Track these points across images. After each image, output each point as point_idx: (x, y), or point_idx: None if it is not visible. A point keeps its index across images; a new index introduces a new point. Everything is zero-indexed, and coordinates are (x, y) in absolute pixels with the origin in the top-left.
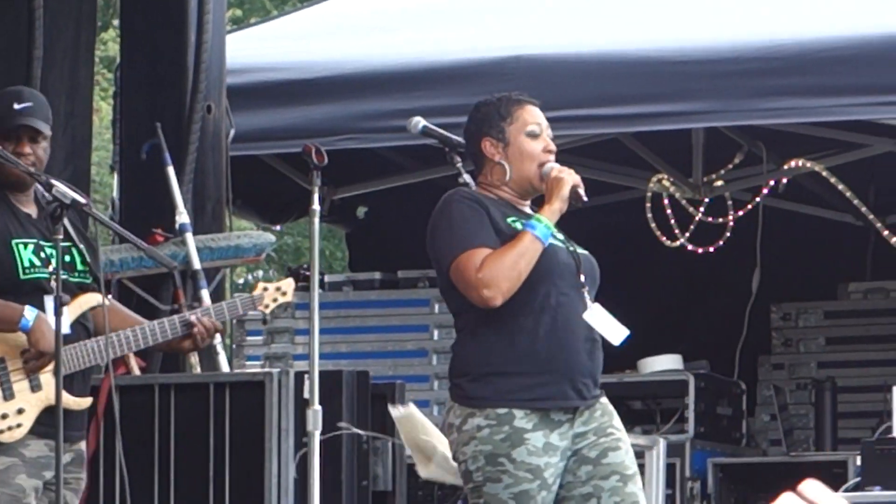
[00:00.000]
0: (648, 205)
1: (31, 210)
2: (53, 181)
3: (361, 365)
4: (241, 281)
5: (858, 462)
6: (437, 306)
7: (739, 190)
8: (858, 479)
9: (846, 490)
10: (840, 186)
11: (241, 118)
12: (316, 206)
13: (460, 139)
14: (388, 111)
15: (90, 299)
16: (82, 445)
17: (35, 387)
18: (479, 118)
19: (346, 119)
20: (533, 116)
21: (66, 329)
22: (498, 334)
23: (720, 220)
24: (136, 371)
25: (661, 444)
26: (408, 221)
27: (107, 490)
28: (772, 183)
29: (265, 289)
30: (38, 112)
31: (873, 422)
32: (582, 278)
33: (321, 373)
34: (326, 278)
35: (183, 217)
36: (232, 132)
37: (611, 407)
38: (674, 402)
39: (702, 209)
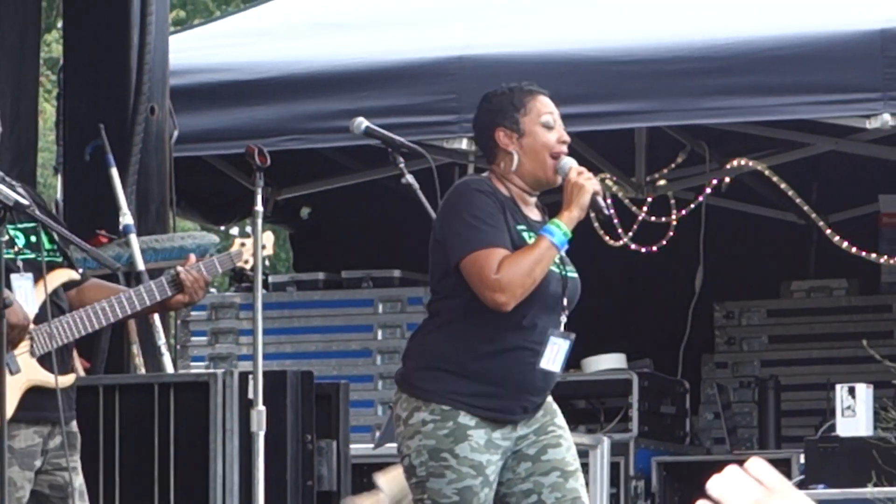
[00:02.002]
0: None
1: None
2: None
3: (306, 365)
4: None
5: (802, 460)
6: (381, 306)
7: (682, 189)
8: (802, 476)
9: None
10: (782, 185)
11: (184, 119)
12: (259, 206)
13: (403, 140)
14: (331, 112)
15: (60, 275)
16: (74, 426)
17: (14, 369)
18: (491, 109)
19: (290, 120)
20: (546, 107)
21: (35, 308)
22: (465, 336)
23: (663, 219)
24: (81, 372)
25: (605, 442)
26: (351, 222)
27: None
28: (714, 182)
29: (242, 244)
30: None
31: (817, 420)
32: (564, 303)
33: (265, 373)
34: (270, 279)
35: (127, 218)
36: (175, 133)
37: (554, 405)
38: (617, 401)
39: (645, 208)
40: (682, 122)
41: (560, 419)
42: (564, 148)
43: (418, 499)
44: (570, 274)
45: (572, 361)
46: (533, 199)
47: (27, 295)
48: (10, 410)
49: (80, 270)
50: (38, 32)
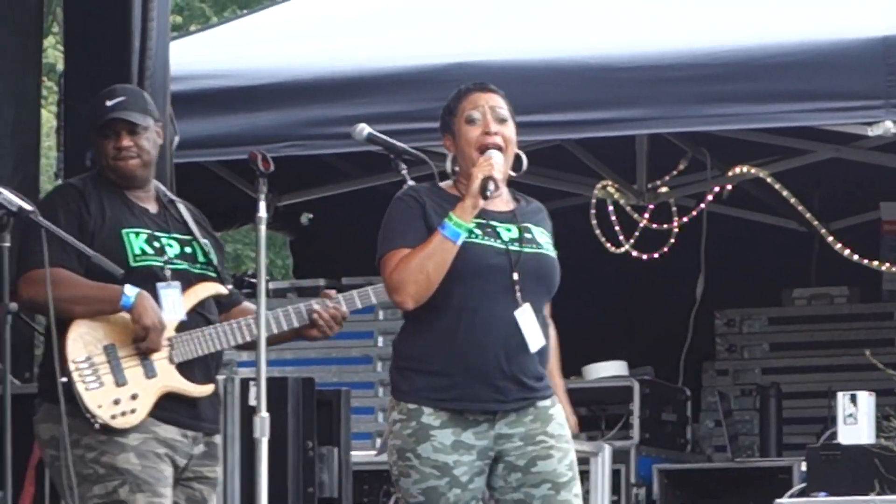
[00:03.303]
0: (593, 211)
1: (150, 206)
2: None
3: (306, 372)
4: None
5: (804, 468)
6: (381, 313)
7: (684, 196)
8: (804, 484)
9: (791, 496)
10: (784, 193)
11: (185, 125)
12: (262, 212)
13: (405, 146)
14: (332, 118)
15: (207, 288)
16: (216, 439)
17: (150, 373)
18: (440, 117)
19: (291, 126)
20: (472, 103)
21: (181, 316)
22: (419, 332)
23: (665, 226)
24: None
25: (607, 450)
26: (352, 228)
27: (52, 496)
28: (716, 189)
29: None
30: (132, 105)
31: (818, 428)
32: (515, 277)
33: (267, 380)
34: (271, 285)
35: None
36: (176, 139)
37: (552, 412)
38: (619, 409)
39: (646, 215)
40: (683, 128)
41: (554, 427)
42: (490, 139)
43: (398, 497)
44: (525, 249)
45: (573, 368)
46: (500, 195)
47: (175, 303)
48: (142, 414)
49: (230, 287)
50: (40, 39)
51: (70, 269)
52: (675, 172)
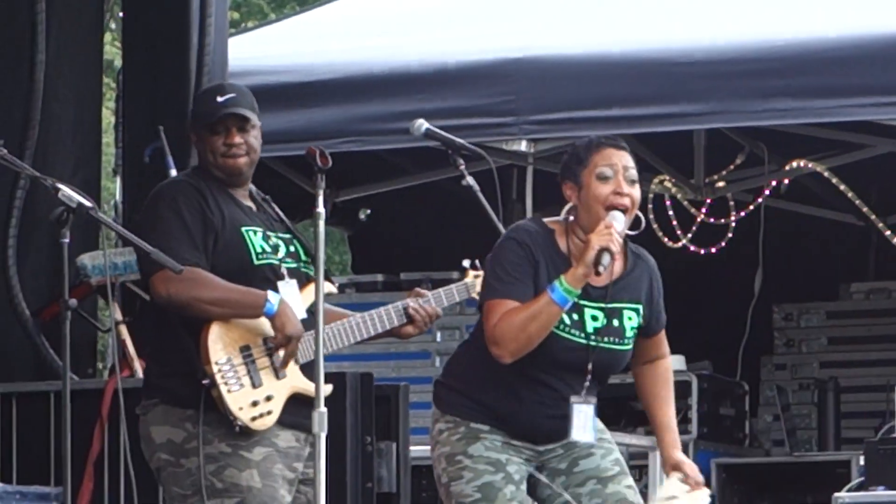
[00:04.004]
0: (650, 206)
1: (251, 204)
2: (59, 185)
3: (364, 367)
4: None
5: (862, 462)
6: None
7: (741, 191)
8: (862, 479)
9: (850, 490)
10: (842, 187)
11: None
12: (321, 208)
13: (463, 141)
14: (390, 113)
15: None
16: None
17: (280, 374)
18: (564, 161)
19: (349, 121)
20: (606, 158)
21: (302, 315)
22: (480, 363)
23: (722, 220)
24: (141, 374)
25: None
26: (410, 223)
27: (111, 492)
28: (773, 184)
29: (476, 276)
30: (242, 101)
31: (876, 422)
32: (588, 368)
33: (325, 375)
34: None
35: None
36: None
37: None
38: (677, 403)
39: (704, 210)
40: (741, 123)
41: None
42: (619, 200)
43: None
44: (604, 345)
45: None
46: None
47: (296, 303)
48: (276, 416)
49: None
50: (101, 38)
51: (204, 268)
52: (732, 167)
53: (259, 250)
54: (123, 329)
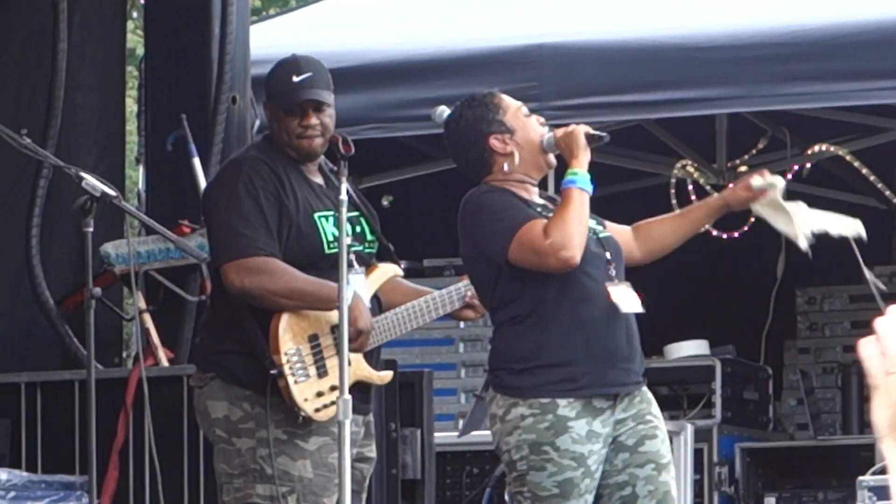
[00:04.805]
0: (673, 191)
1: (319, 180)
2: (83, 174)
3: (388, 353)
4: None
5: None
6: None
7: None
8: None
9: (874, 473)
10: (864, 171)
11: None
12: (344, 196)
13: None
14: (412, 100)
15: (387, 271)
16: (371, 417)
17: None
18: (469, 125)
19: (370, 108)
20: (515, 100)
21: (367, 304)
22: (538, 328)
23: None
24: (165, 362)
25: (689, 429)
26: (433, 210)
27: (136, 481)
28: (796, 168)
29: None
30: (319, 82)
31: None
32: (608, 256)
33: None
34: None
35: None
36: (257, 123)
37: (650, 394)
38: (700, 388)
39: None
40: (763, 107)
41: (656, 409)
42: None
43: (517, 491)
44: (603, 235)
45: (655, 348)
46: (535, 193)
47: (362, 292)
48: None
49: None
50: (124, 26)
51: (278, 257)
52: (754, 151)
53: (330, 238)
54: (147, 318)
